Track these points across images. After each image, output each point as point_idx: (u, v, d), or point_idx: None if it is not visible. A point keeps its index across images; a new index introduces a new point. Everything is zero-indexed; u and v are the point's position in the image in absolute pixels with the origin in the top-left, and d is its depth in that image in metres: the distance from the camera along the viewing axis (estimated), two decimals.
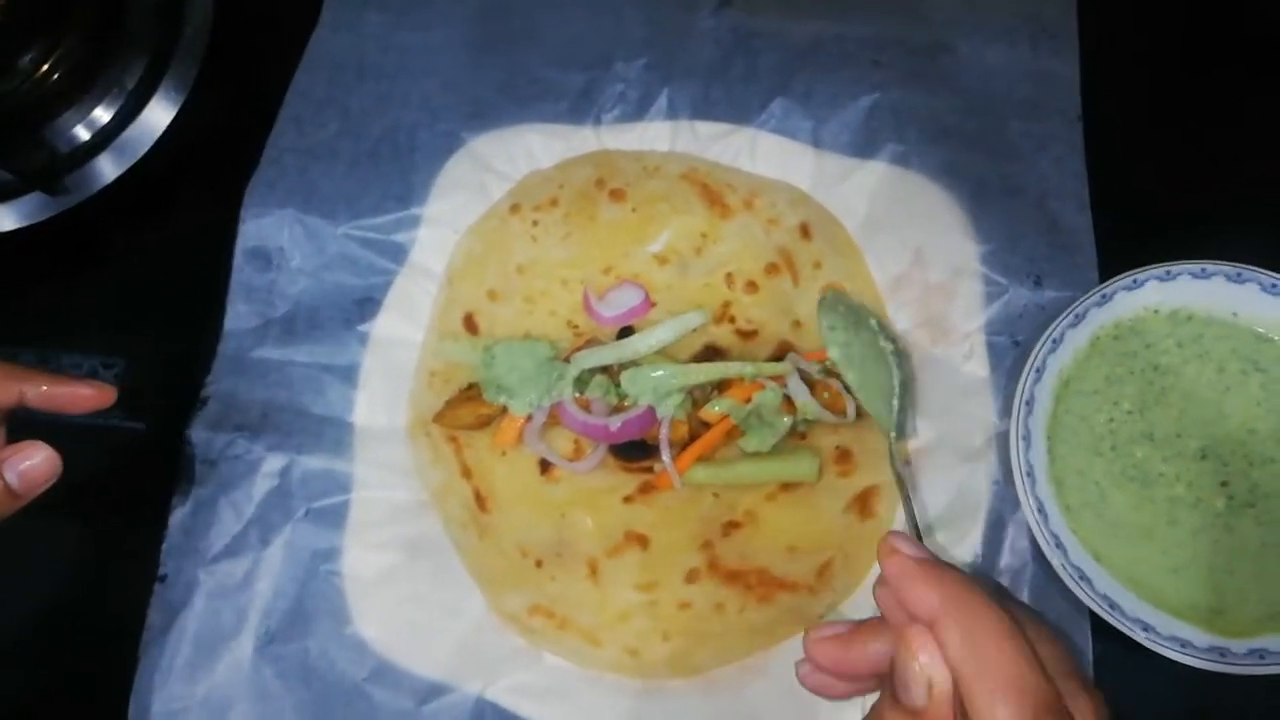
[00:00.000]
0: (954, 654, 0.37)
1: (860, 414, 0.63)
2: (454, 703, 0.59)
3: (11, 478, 0.47)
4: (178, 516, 0.62)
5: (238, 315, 0.67)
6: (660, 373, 0.62)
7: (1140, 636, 0.54)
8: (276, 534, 0.61)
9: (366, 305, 0.67)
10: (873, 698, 0.43)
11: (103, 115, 0.75)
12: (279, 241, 0.68)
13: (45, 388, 0.51)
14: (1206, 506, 0.58)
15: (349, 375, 0.66)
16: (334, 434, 0.64)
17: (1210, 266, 0.60)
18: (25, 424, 0.68)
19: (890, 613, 0.41)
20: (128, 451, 0.68)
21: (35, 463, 0.48)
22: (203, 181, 0.74)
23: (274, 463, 0.63)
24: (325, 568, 0.61)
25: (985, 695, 0.35)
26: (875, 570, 0.61)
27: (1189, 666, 0.55)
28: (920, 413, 0.64)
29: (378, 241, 0.68)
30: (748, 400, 0.62)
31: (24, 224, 0.72)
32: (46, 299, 0.73)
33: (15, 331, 0.71)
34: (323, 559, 0.61)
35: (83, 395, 0.52)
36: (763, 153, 0.69)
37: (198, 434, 0.63)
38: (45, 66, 0.73)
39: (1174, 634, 0.55)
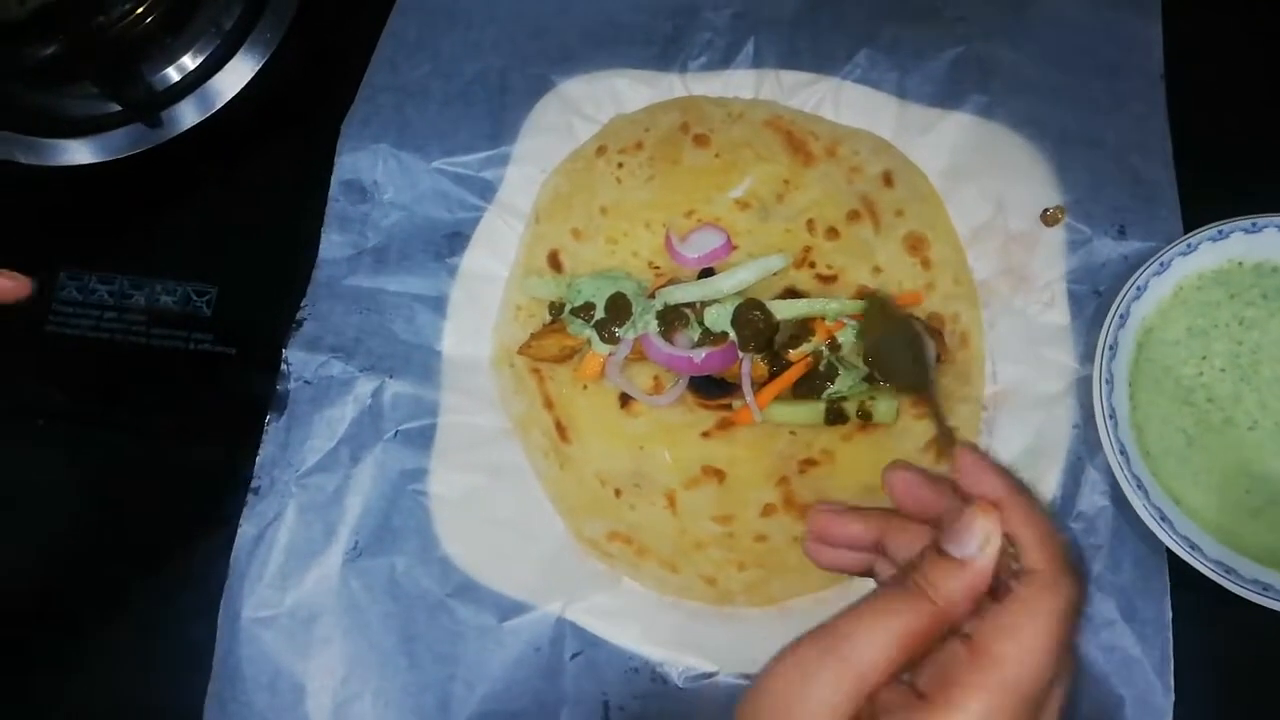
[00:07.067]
0: (1018, 524, 0.39)
1: (940, 356, 0.64)
2: (534, 620, 0.60)
3: None
4: (272, 431, 0.64)
5: (332, 245, 0.69)
6: None
7: (1222, 579, 0.55)
8: (367, 452, 0.63)
9: (455, 239, 0.69)
10: None
11: (199, 54, 0.78)
12: (373, 175, 0.69)
13: None
14: None
15: (438, 306, 0.68)
16: (423, 361, 0.66)
17: None
18: (124, 351, 0.71)
19: (906, 499, 0.44)
20: (220, 376, 0.70)
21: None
22: (296, 119, 0.77)
23: (366, 384, 0.65)
24: (412, 487, 0.63)
25: (1040, 553, 0.38)
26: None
27: (1265, 617, 0.55)
28: (999, 358, 0.64)
29: (468, 178, 0.70)
30: (830, 339, 0.63)
31: (123, 155, 0.75)
32: (143, 228, 0.76)
33: (112, 258, 0.74)
34: (410, 479, 0.63)
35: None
36: (847, 102, 0.70)
37: (294, 353, 0.65)
38: (144, 4, 0.76)
39: (1256, 577, 0.55)
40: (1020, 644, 0.36)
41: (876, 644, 0.37)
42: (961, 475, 0.41)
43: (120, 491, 0.68)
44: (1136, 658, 0.57)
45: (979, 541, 0.38)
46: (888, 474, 0.45)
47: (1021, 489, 0.40)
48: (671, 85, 0.72)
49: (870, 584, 0.60)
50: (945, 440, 0.55)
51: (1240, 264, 0.62)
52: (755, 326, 0.63)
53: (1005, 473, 0.41)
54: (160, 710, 0.62)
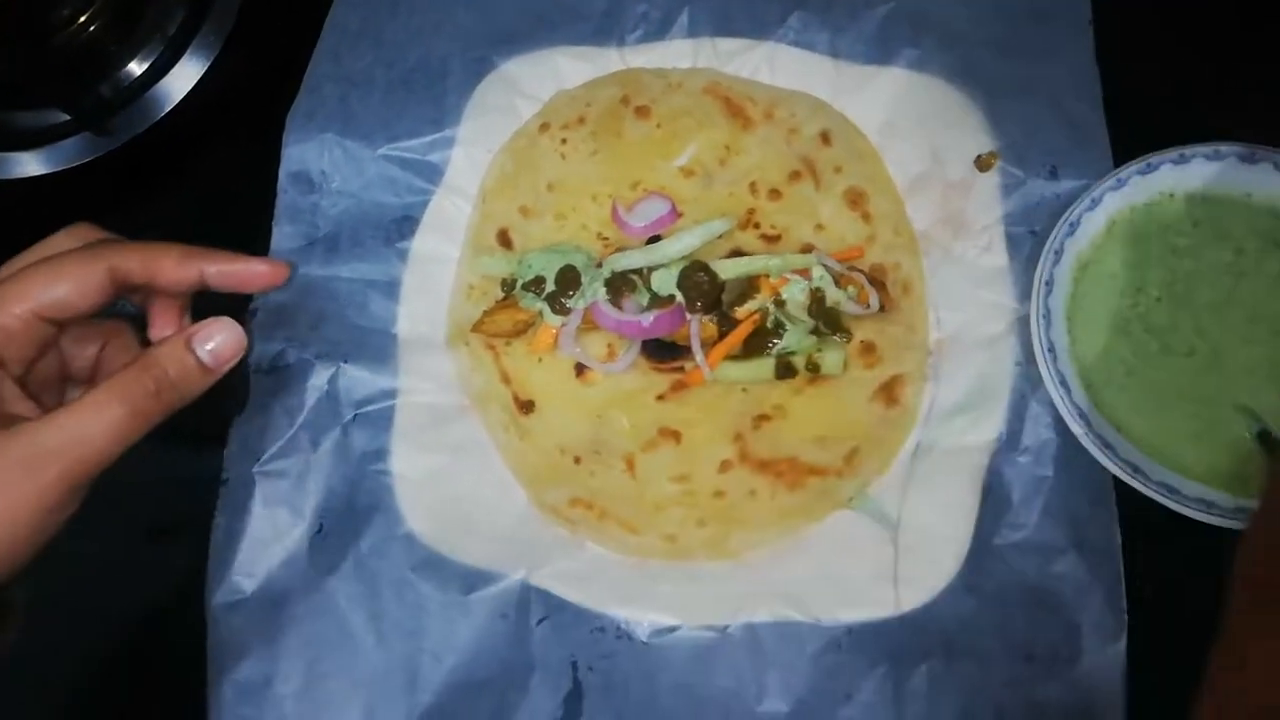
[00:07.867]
0: None
1: (884, 306, 0.65)
2: (500, 589, 0.61)
3: (203, 354, 0.50)
4: (235, 423, 0.65)
5: (283, 236, 0.70)
6: None
7: (1166, 499, 0.56)
8: (326, 436, 0.64)
9: (405, 224, 0.70)
10: None
11: (145, 59, 0.79)
12: (320, 165, 0.70)
13: (223, 266, 0.53)
14: (1228, 375, 0.59)
15: (390, 290, 0.69)
16: (378, 344, 0.67)
17: (1224, 148, 0.62)
18: None
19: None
20: None
21: (225, 338, 0.50)
22: (242, 119, 0.77)
23: (322, 371, 0.66)
24: (374, 468, 0.64)
25: None
26: (903, 452, 0.63)
27: (1212, 540, 0.56)
28: (942, 304, 0.66)
29: (414, 162, 0.71)
30: (775, 295, 0.64)
31: (74, 164, 0.76)
32: None
33: None
34: (371, 460, 0.64)
35: (259, 272, 0.54)
36: (782, 65, 0.72)
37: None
38: (87, 13, 0.77)
39: (1199, 495, 0.56)
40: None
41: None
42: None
43: (92, 499, 0.69)
44: (1089, 585, 0.58)
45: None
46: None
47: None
48: (610, 59, 0.73)
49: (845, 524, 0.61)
50: None
51: (1171, 195, 0.63)
52: (701, 287, 0.64)
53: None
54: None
